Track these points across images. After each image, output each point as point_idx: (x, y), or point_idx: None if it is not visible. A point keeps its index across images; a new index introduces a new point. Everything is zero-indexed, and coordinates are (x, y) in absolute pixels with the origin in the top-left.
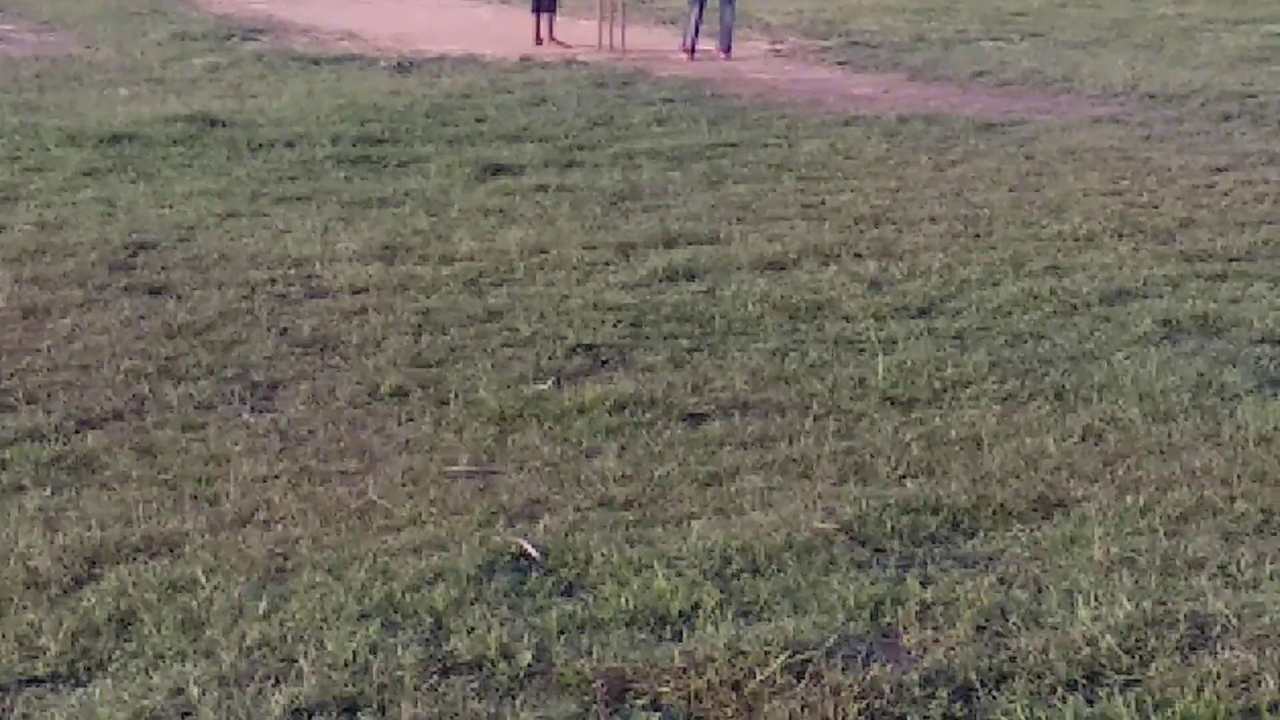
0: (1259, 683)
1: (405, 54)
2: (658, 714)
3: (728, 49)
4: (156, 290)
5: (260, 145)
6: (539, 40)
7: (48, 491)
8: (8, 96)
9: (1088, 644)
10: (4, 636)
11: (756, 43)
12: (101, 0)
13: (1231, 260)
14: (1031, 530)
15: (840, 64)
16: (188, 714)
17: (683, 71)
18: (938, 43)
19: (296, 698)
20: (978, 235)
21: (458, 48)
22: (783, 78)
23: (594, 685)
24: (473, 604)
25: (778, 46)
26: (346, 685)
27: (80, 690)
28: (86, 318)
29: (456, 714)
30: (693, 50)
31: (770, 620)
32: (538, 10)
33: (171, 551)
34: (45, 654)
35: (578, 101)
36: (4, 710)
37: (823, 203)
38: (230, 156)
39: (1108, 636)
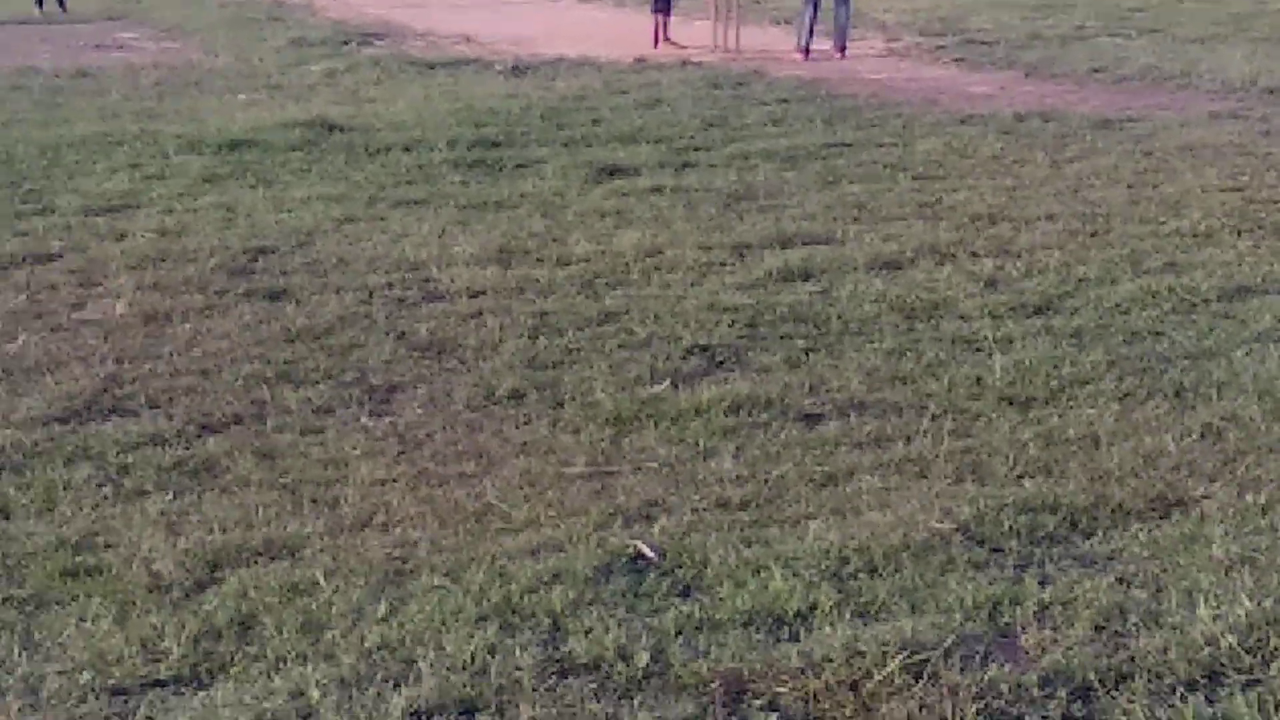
0: None
1: (521, 57)
2: (775, 714)
3: (843, 48)
4: (275, 295)
5: (377, 150)
6: (657, 42)
7: (170, 496)
8: (129, 104)
9: (1208, 644)
10: (128, 639)
11: (872, 42)
12: (220, 8)
13: None
14: (1150, 529)
15: (956, 62)
16: (308, 716)
17: (798, 71)
18: (1054, 40)
19: (416, 700)
20: (1095, 233)
21: (573, 50)
22: (898, 76)
23: (711, 686)
24: (590, 605)
25: (893, 45)
26: (465, 687)
27: (202, 693)
28: (207, 323)
29: (574, 715)
30: (807, 50)
31: (887, 620)
32: (658, 11)
33: (292, 555)
34: (168, 657)
35: (692, 102)
36: (128, 713)
37: (939, 201)
38: (348, 161)
39: (1228, 636)
